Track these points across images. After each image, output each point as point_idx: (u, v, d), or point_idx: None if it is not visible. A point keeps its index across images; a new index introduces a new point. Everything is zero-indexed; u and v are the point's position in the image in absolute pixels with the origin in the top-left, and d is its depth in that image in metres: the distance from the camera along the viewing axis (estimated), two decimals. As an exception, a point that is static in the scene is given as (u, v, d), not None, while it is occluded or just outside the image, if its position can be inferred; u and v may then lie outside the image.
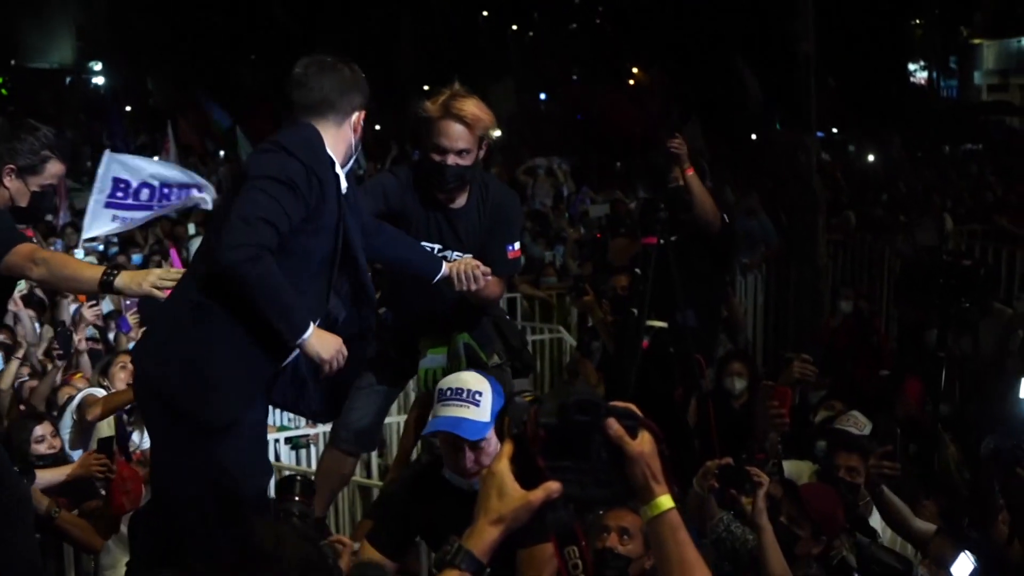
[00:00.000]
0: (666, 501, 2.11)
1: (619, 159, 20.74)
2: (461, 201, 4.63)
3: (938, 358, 6.45)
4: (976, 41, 43.76)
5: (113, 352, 7.26)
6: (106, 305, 8.23)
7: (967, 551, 3.95)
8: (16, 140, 4.27)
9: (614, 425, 2.05)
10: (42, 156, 4.27)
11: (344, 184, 3.77)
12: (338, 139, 3.74)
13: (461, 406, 3.67)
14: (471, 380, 3.78)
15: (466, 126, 4.42)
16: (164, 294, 3.93)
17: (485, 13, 41.81)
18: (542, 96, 36.86)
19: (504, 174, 15.95)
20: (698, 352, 5.95)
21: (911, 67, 43.13)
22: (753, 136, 22.63)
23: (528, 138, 23.74)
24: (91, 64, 40.06)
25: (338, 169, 3.74)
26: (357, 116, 3.78)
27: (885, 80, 35.94)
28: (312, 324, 3.58)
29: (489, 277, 4.35)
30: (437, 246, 4.58)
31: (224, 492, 3.62)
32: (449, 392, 3.74)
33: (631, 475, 2.07)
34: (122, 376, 6.41)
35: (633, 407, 2.11)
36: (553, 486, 2.02)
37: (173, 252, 9.67)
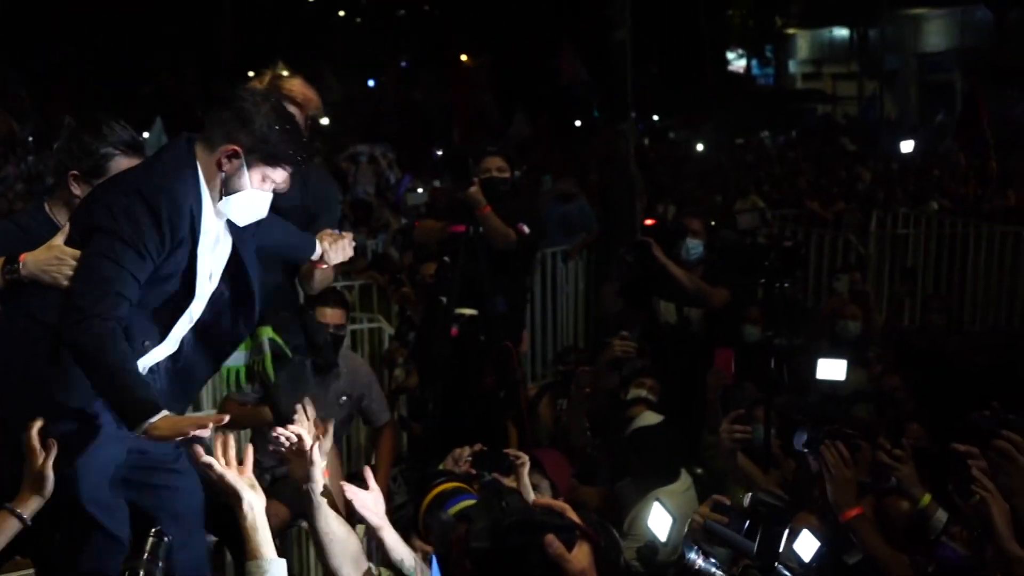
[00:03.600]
0: None
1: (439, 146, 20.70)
2: (284, 185, 4.54)
3: (767, 337, 6.65)
4: (791, 31, 45.38)
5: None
6: None
7: (809, 530, 3.98)
8: (73, 142, 3.91)
9: (554, 543, 1.96)
10: (103, 155, 3.85)
11: (207, 214, 3.56)
12: (205, 165, 3.53)
13: None
14: None
15: (297, 107, 4.27)
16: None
17: (311, -2, 41.27)
18: (370, 83, 36.60)
19: (325, 162, 15.70)
20: (508, 339, 5.96)
21: (729, 55, 44.39)
22: (577, 123, 22.91)
23: (351, 125, 23.50)
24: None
25: (204, 197, 3.53)
26: (223, 149, 3.49)
27: (704, 68, 36.91)
28: (161, 409, 3.24)
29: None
30: None
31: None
32: None
33: None
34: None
35: (566, 508, 2.03)
36: None
37: None
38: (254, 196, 3.59)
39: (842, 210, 13.89)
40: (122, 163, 3.91)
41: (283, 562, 3.05)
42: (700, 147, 25.28)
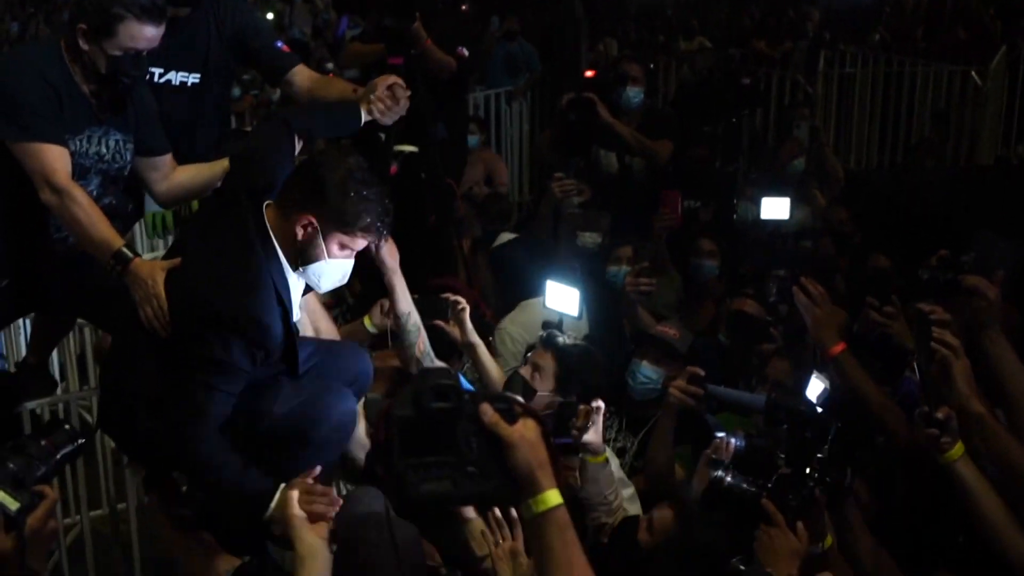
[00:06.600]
0: (554, 496, 1.91)
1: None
2: (185, 10, 4.22)
3: (726, 173, 6.55)
4: None
5: None
6: None
7: (817, 372, 3.89)
8: None
9: (488, 411, 1.87)
10: (113, 15, 3.58)
11: (295, 294, 3.35)
12: (281, 231, 3.26)
13: None
14: None
15: None
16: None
17: None
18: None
19: (256, -1, 15.12)
20: (449, 175, 5.82)
21: None
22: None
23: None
24: None
25: (287, 276, 3.28)
26: (297, 219, 3.22)
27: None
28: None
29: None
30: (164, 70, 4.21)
31: None
32: None
33: (513, 465, 1.87)
34: None
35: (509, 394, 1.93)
36: None
37: None
38: (333, 265, 3.30)
39: (789, 49, 13.65)
40: (133, 28, 3.63)
41: None
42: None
